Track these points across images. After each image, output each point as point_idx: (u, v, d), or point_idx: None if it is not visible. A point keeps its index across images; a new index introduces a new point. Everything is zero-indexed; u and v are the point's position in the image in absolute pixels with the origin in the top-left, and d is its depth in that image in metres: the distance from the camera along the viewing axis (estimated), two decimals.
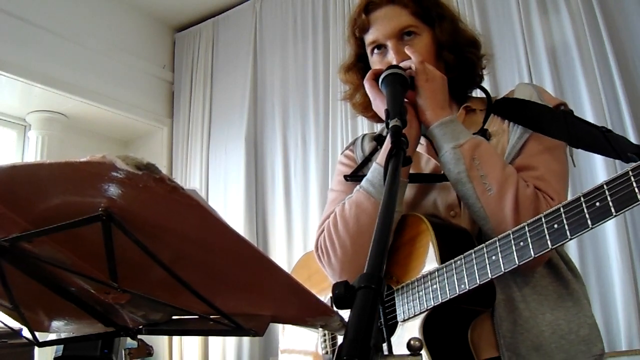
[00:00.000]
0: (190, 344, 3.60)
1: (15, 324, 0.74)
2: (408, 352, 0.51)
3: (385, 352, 0.55)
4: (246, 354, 3.39)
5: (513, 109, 1.10)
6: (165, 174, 0.45)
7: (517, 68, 2.85)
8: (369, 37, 1.17)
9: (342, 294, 0.52)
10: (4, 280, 0.61)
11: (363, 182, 1.10)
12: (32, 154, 3.68)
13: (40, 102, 3.69)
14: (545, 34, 2.82)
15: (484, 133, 1.08)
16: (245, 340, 3.34)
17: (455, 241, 0.98)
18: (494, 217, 0.95)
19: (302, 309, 0.65)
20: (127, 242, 0.51)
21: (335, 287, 0.54)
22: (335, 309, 0.57)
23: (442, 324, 0.96)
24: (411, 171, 1.15)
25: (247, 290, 0.62)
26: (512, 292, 0.98)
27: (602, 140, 0.94)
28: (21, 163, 0.51)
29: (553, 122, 1.02)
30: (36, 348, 2.57)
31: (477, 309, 0.97)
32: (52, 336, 0.82)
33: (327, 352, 1.22)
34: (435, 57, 1.14)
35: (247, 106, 3.86)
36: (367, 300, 0.51)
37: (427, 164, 1.14)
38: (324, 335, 1.24)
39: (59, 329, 0.79)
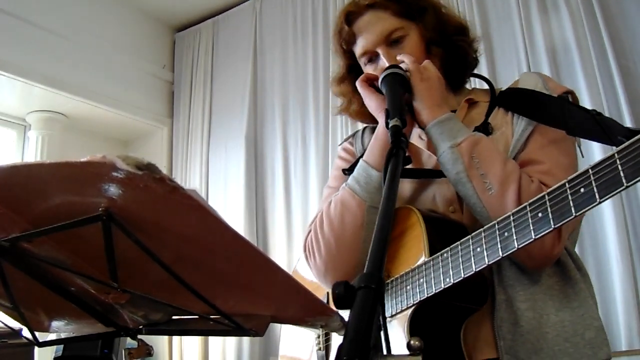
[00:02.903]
0: (190, 344, 3.60)
1: (15, 324, 0.74)
2: (408, 352, 0.51)
3: (385, 352, 0.55)
4: (246, 354, 3.39)
5: (515, 99, 1.07)
6: (165, 174, 0.45)
7: (517, 68, 2.85)
8: (357, 49, 1.16)
9: (342, 293, 0.52)
10: (4, 280, 0.61)
11: (349, 180, 1.08)
12: (32, 154, 3.67)
13: (40, 102, 3.69)
14: (545, 34, 2.82)
15: (486, 127, 1.05)
16: (245, 340, 3.34)
17: (447, 235, 0.94)
18: (496, 217, 0.90)
19: (302, 309, 0.65)
20: (127, 242, 0.51)
21: (335, 287, 0.53)
22: (335, 308, 0.57)
23: (431, 321, 0.93)
24: (412, 167, 1.14)
25: (247, 290, 0.62)
26: (515, 292, 0.94)
27: (595, 125, 0.91)
28: (21, 163, 0.51)
29: (552, 110, 0.99)
30: (36, 348, 2.57)
31: (469, 307, 0.94)
32: (52, 336, 0.82)
33: (320, 349, 1.21)
34: (427, 53, 1.12)
35: (247, 106, 3.86)
36: (367, 300, 0.51)
37: (428, 160, 1.12)
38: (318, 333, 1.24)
39: (59, 329, 0.79)
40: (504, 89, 1.14)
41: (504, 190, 0.91)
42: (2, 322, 0.72)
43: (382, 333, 0.52)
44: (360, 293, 0.51)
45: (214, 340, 3.56)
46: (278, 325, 1.51)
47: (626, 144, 0.66)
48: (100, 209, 0.50)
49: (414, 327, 0.90)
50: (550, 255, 0.92)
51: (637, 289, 2.32)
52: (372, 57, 1.14)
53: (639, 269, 2.35)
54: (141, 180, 0.45)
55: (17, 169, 0.52)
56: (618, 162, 0.66)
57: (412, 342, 0.51)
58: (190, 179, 4.02)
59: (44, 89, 3.53)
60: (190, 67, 4.31)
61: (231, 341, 3.45)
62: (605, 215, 2.43)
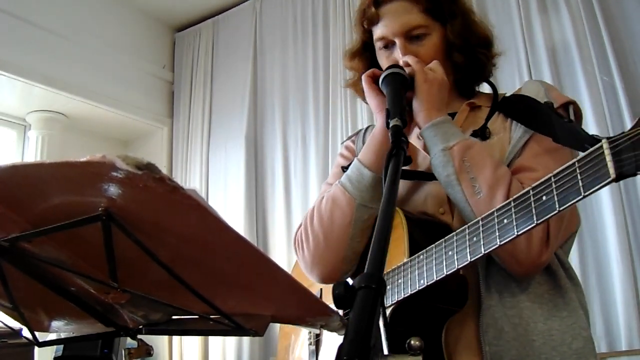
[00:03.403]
0: (190, 344, 3.60)
1: (15, 324, 0.74)
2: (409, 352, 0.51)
3: (386, 352, 0.55)
4: (246, 354, 3.39)
5: (515, 106, 1.07)
6: (165, 174, 0.45)
7: (517, 68, 2.85)
8: (377, 32, 1.15)
9: (342, 294, 0.52)
10: (4, 280, 0.61)
11: (342, 177, 1.09)
12: (32, 154, 3.67)
13: (40, 102, 3.69)
14: (545, 34, 2.82)
15: (484, 131, 1.06)
16: (245, 340, 3.34)
17: (431, 236, 0.94)
18: None
19: (302, 309, 0.65)
20: (127, 242, 0.51)
21: (336, 287, 0.54)
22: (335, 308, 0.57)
23: (411, 321, 0.93)
24: (407, 167, 1.14)
25: (247, 290, 0.62)
26: (503, 299, 0.94)
27: (570, 134, 0.91)
28: (21, 163, 0.51)
29: (542, 117, 0.99)
30: (36, 348, 2.57)
31: (449, 308, 0.93)
32: (52, 336, 0.82)
33: (310, 344, 1.22)
34: (445, 57, 1.12)
35: (247, 106, 3.87)
36: (367, 300, 0.50)
37: (423, 161, 1.12)
38: None
39: (59, 328, 0.79)
40: (508, 94, 1.14)
41: (493, 194, 0.91)
42: (2, 322, 0.72)
43: (383, 333, 0.52)
44: (361, 293, 0.51)
45: (214, 340, 3.56)
46: (278, 325, 1.52)
47: (585, 153, 0.66)
48: (100, 209, 0.50)
49: (394, 327, 0.91)
50: (537, 262, 0.91)
51: (637, 289, 2.32)
52: (389, 45, 1.14)
53: (639, 269, 2.35)
54: (141, 180, 0.45)
55: (17, 169, 0.52)
56: (578, 171, 0.67)
57: (412, 341, 0.51)
58: (190, 179, 4.02)
59: (44, 89, 3.53)
60: (190, 67, 4.31)
61: (231, 341, 3.46)
62: (605, 216, 2.43)
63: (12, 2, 3.37)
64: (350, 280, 0.94)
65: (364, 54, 1.22)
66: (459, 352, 0.93)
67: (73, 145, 3.89)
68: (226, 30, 4.21)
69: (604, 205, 2.44)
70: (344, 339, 0.47)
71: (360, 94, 1.24)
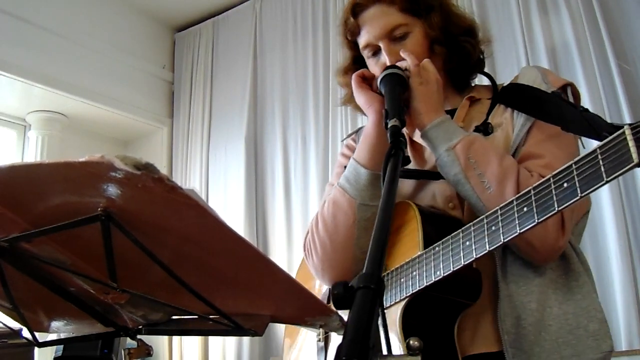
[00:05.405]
0: (190, 344, 3.60)
1: (15, 324, 0.74)
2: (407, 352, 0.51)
3: (385, 352, 0.55)
4: (246, 354, 3.39)
5: (514, 96, 1.08)
6: (164, 174, 0.45)
7: (518, 68, 2.85)
8: (361, 41, 1.16)
9: (342, 294, 0.52)
10: (4, 280, 0.61)
11: (341, 179, 1.10)
12: (32, 154, 3.67)
13: (40, 102, 3.69)
14: (545, 34, 2.82)
15: (486, 126, 1.06)
16: (245, 340, 3.34)
17: (444, 230, 0.95)
18: None
19: (302, 309, 0.65)
20: (126, 242, 0.51)
21: (335, 287, 0.54)
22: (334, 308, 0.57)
23: (424, 314, 0.93)
24: (414, 164, 1.14)
25: (246, 290, 0.63)
26: (518, 287, 0.95)
27: (583, 121, 0.92)
28: (21, 163, 0.51)
29: (548, 107, 1.00)
30: (36, 348, 2.57)
31: (462, 301, 0.94)
32: (52, 336, 0.82)
33: (320, 340, 1.22)
34: (430, 52, 1.12)
35: (247, 106, 3.87)
36: (366, 300, 0.51)
37: (430, 157, 1.12)
38: None
39: (59, 329, 0.79)
40: (506, 84, 1.14)
41: (502, 187, 0.92)
42: (2, 322, 0.72)
43: (382, 333, 0.53)
44: (360, 293, 0.51)
45: (214, 340, 3.56)
46: (278, 325, 1.52)
47: (607, 140, 0.67)
48: (99, 209, 0.50)
49: (407, 320, 0.91)
50: (555, 246, 0.92)
51: (637, 289, 2.32)
52: (376, 52, 1.14)
53: (639, 268, 2.35)
54: (140, 180, 0.45)
55: (16, 169, 0.52)
56: (599, 157, 0.67)
57: (411, 342, 0.51)
58: (190, 179, 4.02)
59: (44, 89, 3.53)
60: (190, 67, 4.31)
61: (231, 341, 3.46)
62: (605, 215, 2.43)
63: (12, 2, 3.37)
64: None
65: (355, 67, 1.23)
66: (476, 343, 0.94)
67: (73, 145, 3.89)
68: (226, 30, 4.21)
69: (603, 205, 2.44)
70: (343, 339, 0.47)
71: (357, 108, 1.25)
